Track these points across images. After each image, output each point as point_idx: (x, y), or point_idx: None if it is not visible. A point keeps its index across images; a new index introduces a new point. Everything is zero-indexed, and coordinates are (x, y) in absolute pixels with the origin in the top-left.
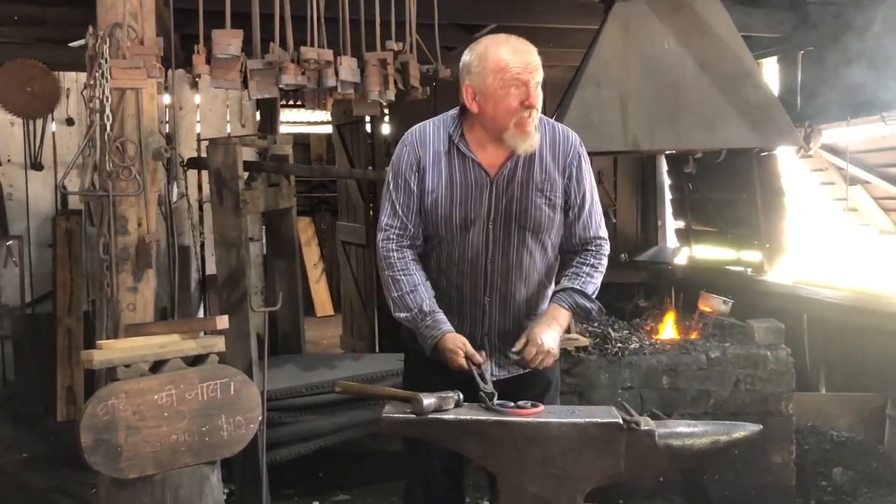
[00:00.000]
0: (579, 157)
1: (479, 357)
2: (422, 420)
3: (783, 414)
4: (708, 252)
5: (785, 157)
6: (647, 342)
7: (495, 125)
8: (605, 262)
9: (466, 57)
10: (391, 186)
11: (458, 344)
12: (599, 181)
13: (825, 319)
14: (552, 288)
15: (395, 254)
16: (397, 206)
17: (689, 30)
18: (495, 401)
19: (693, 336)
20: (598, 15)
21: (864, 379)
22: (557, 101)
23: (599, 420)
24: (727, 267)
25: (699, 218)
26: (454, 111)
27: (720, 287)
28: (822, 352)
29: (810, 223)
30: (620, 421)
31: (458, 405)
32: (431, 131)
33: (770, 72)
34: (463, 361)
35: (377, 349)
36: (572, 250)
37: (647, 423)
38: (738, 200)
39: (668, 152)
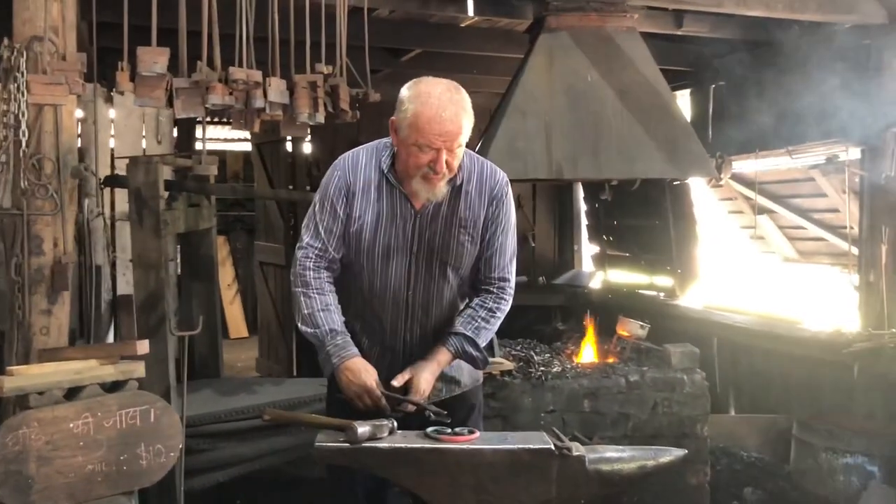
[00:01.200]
0: (504, 195)
1: (378, 394)
2: (356, 448)
3: (699, 436)
4: (622, 276)
5: (696, 186)
6: (568, 366)
7: (405, 169)
8: (505, 306)
9: (403, 93)
10: (317, 208)
11: (363, 371)
12: (519, 205)
13: (734, 343)
14: None
15: (311, 272)
16: (321, 228)
17: (611, 63)
18: (431, 426)
19: (612, 360)
20: (523, 44)
21: (771, 400)
22: (483, 128)
23: (532, 446)
24: (641, 291)
25: (614, 243)
26: (387, 140)
27: (635, 311)
28: (732, 374)
29: (720, 250)
30: (552, 447)
31: (391, 433)
32: (364, 159)
33: (683, 104)
34: (366, 399)
35: (295, 373)
36: (476, 287)
37: (578, 449)
38: (652, 227)
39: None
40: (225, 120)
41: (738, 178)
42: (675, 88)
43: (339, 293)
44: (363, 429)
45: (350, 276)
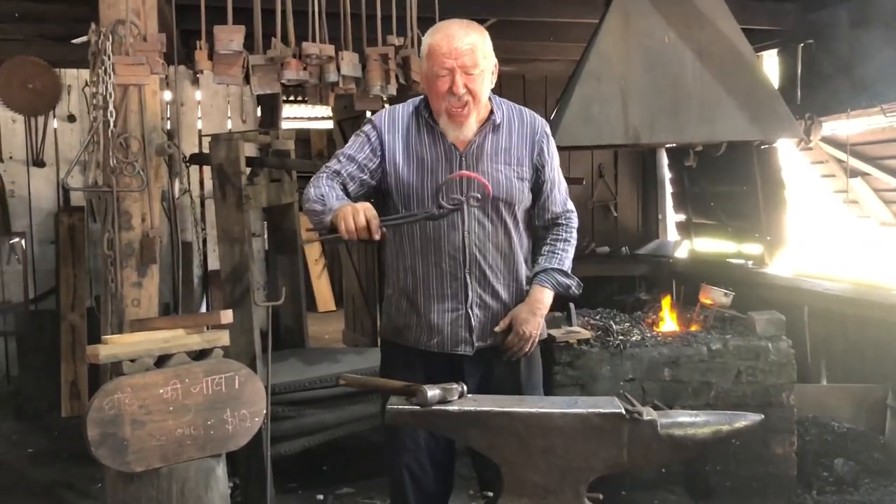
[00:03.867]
0: (546, 136)
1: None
2: (426, 411)
3: (784, 405)
4: (709, 245)
5: (785, 150)
6: (648, 334)
7: (436, 110)
8: (575, 233)
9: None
10: (346, 146)
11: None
12: (600, 174)
13: (826, 311)
14: (524, 261)
15: (325, 178)
16: (342, 155)
17: (689, 23)
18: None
19: (694, 328)
20: (599, 8)
21: (865, 370)
22: (558, 96)
23: (602, 410)
24: (728, 260)
25: (700, 211)
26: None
27: (721, 280)
28: (823, 343)
29: (811, 215)
30: (623, 411)
31: (461, 396)
32: (402, 108)
33: (770, 64)
34: (361, 218)
35: (379, 343)
36: (544, 226)
37: (649, 413)
38: (739, 193)
39: (668, 146)
40: (302, 99)
41: (829, 140)
42: (762, 49)
43: (393, 259)
44: (433, 392)
45: (402, 231)
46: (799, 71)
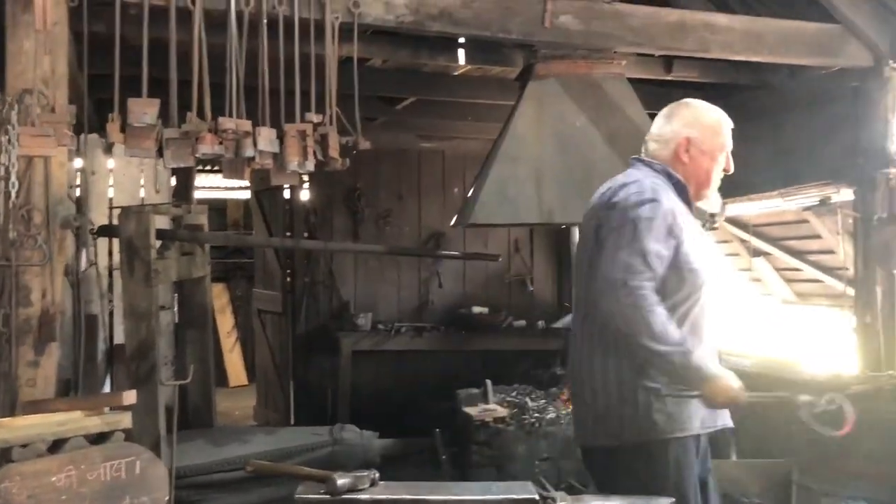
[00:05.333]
0: None
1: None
2: (335, 500)
3: None
4: None
5: None
6: (563, 412)
7: (701, 181)
8: None
9: (684, 112)
10: (640, 233)
11: (734, 378)
12: (516, 249)
13: None
14: None
15: (648, 291)
16: (650, 254)
17: (599, 109)
18: None
19: None
20: (515, 91)
21: (773, 446)
22: (476, 173)
23: (515, 496)
24: None
25: None
26: (648, 170)
27: None
28: (734, 418)
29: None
30: (536, 497)
31: (373, 484)
32: (663, 184)
33: None
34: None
35: (292, 421)
36: None
37: (563, 499)
38: None
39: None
40: (218, 169)
41: (733, 220)
42: None
43: None
44: (343, 480)
45: (685, 309)
46: None
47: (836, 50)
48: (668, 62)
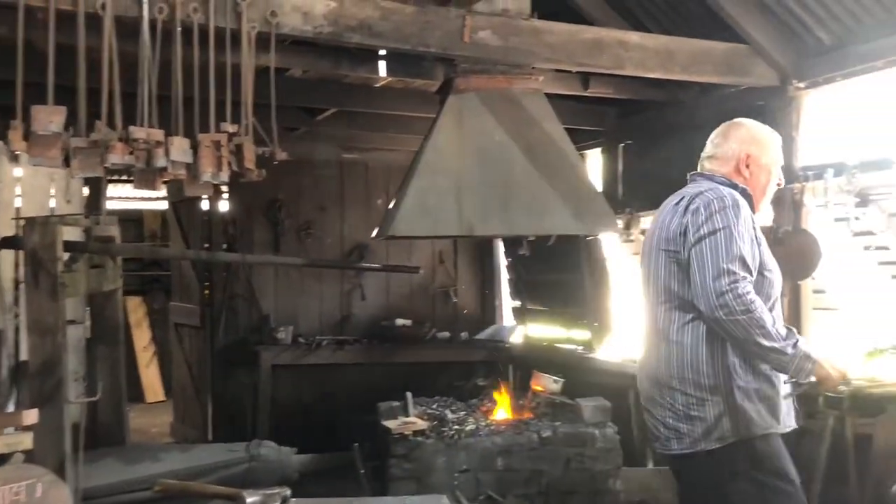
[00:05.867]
0: None
1: None
2: None
3: (612, 490)
4: (542, 330)
5: (609, 242)
6: (482, 423)
7: (759, 193)
8: None
9: (742, 130)
10: (732, 238)
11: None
12: (440, 261)
13: None
14: None
15: (755, 295)
16: (746, 258)
17: (519, 123)
18: None
19: (526, 416)
20: (436, 104)
21: None
22: (399, 185)
23: None
24: (559, 345)
25: (533, 297)
26: (711, 182)
27: (553, 365)
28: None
29: (634, 304)
30: None
31: (285, 501)
32: (737, 195)
33: (595, 162)
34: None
35: (210, 438)
36: None
37: None
38: (568, 281)
39: (505, 236)
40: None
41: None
42: (588, 147)
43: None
44: (253, 498)
45: None
46: (620, 169)
47: (744, 69)
48: (584, 78)
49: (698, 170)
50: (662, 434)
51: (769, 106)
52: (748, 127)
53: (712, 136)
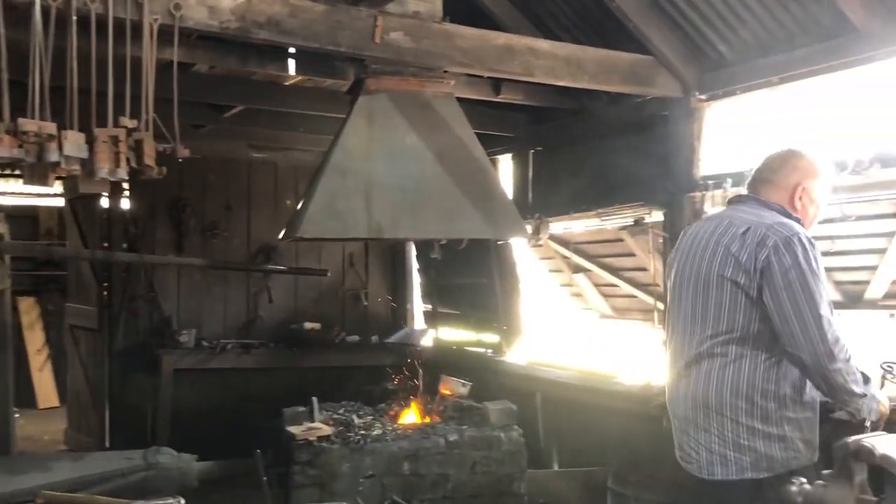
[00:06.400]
0: None
1: None
2: None
3: (516, 493)
4: (453, 334)
5: (519, 246)
6: (390, 428)
7: (807, 225)
8: None
9: (802, 161)
10: (823, 282)
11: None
12: (351, 264)
13: (557, 398)
14: None
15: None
16: (829, 312)
17: (430, 127)
18: None
19: (434, 420)
20: (347, 105)
21: (591, 454)
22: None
23: None
24: (469, 348)
25: (445, 301)
26: (768, 210)
27: (463, 368)
28: (555, 429)
29: (543, 307)
30: None
31: None
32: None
33: (506, 167)
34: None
35: (107, 445)
36: None
37: None
38: (479, 285)
39: (414, 239)
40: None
41: (556, 238)
42: (499, 153)
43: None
44: None
45: None
46: (530, 175)
47: (649, 80)
48: (496, 84)
49: (748, 191)
50: (704, 458)
51: (672, 116)
52: (808, 157)
53: (769, 159)
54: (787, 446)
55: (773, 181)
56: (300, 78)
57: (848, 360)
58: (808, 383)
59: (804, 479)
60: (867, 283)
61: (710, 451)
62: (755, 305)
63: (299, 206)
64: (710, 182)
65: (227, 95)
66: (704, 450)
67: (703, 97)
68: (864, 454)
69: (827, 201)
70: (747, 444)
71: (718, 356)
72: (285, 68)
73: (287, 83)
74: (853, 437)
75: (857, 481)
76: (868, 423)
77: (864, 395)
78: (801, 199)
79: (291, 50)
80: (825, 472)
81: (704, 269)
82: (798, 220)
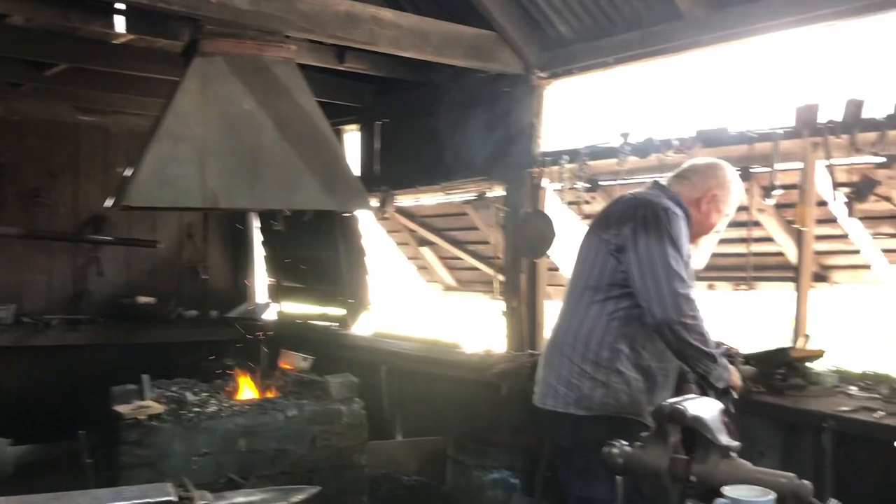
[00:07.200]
0: None
1: None
2: None
3: (357, 466)
4: (297, 308)
5: (366, 219)
6: (226, 404)
7: (703, 229)
8: None
9: (721, 173)
10: (678, 249)
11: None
12: (189, 235)
13: (402, 370)
14: None
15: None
16: (685, 271)
17: (269, 93)
18: None
19: (274, 395)
20: (181, 67)
21: (432, 423)
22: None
23: (149, 500)
24: (314, 322)
25: (289, 274)
26: (667, 197)
27: (308, 342)
28: (399, 400)
29: (389, 280)
30: (174, 498)
31: None
32: (681, 213)
33: (354, 139)
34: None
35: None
36: None
37: (203, 498)
38: (324, 258)
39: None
40: None
41: (402, 211)
42: (346, 123)
43: (647, 339)
44: None
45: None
46: (377, 146)
47: (491, 56)
48: (340, 52)
49: (665, 182)
50: (541, 389)
51: (515, 93)
52: (728, 173)
53: (694, 161)
54: (608, 393)
55: (690, 180)
56: (131, 37)
57: (697, 318)
58: (648, 353)
59: (625, 442)
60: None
61: (548, 384)
62: (615, 261)
63: (128, 172)
64: (547, 159)
65: (47, 52)
66: (544, 381)
67: (543, 75)
68: (677, 416)
69: (728, 218)
70: (577, 383)
71: (579, 304)
72: (111, 25)
73: (117, 42)
74: (668, 401)
75: (671, 442)
76: (718, 390)
77: (714, 358)
78: (708, 203)
79: (120, 6)
80: (643, 433)
81: (591, 229)
82: (686, 213)
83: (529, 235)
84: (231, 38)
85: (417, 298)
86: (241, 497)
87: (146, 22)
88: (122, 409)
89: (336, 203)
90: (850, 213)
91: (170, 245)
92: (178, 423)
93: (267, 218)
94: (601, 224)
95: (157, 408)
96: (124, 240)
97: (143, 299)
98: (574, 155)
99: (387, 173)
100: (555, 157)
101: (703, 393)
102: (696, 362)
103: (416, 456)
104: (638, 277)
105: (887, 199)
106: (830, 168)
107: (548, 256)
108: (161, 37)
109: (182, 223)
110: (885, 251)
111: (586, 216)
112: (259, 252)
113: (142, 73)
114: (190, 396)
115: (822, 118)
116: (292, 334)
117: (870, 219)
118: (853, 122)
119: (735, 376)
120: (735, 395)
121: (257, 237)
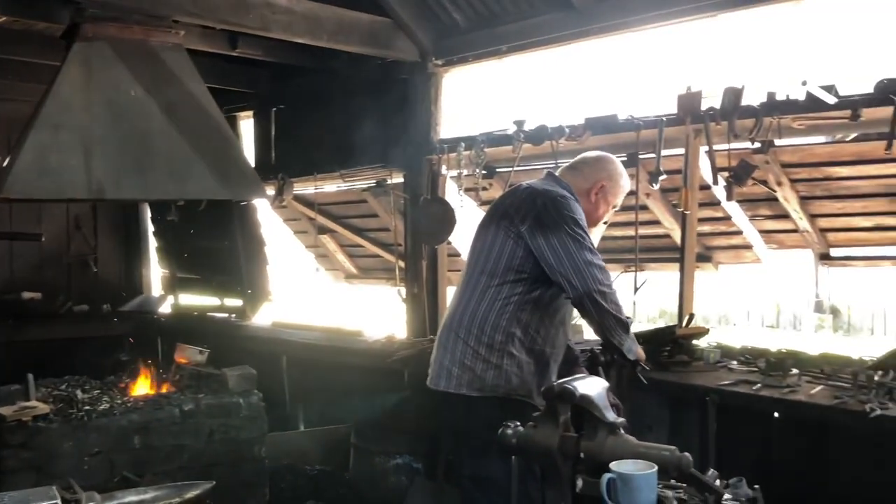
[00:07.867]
0: None
1: None
2: None
3: (257, 458)
4: (193, 300)
5: (263, 208)
6: (119, 401)
7: (595, 219)
8: None
9: (611, 166)
10: (586, 233)
11: None
12: (77, 227)
13: (303, 359)
14: None
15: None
16: (593, 248)
17: (157, 79)
18: None
19: (169, 390)
20: (62, 51)
21: (336, 412)
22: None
23: None
24: (211, 314)
25: (184, 266)
26: (559, 186)
27: (205, 334)
28: (301, 390)
29: (289, 269)
30: (58, 501)
31: None
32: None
33: (248, 126)
34: None
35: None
36: None
37: (90, 499)
38: (221, 249)
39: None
40: None
41: (301, 199)
42: (240, 110)
43: (539, 324)
44: None
45: (554, 305)
46: (273, 133)
47: (387, 42)
48: (232, 38)
49: (558, 173)
50: (435, 371)
51: (412, 81)
52: (617, 167)
53: (587, 154)
54: (499, 375)
55: (581, 171)
56: (6, 18)
57: (612, 288)
58: (540, 337)
59: (518, 423)
60: None
61: (441, 366)
62: (514, 248)
63: (6, 162)
64: (445, 146)
65: None
66: (437, 363)
67: (439, 62)
68: (567, 395)
69: (615, 209)
70: (470, 365)
71: (475, 289)
72: None
73: None
74: (558, 381)
75: (561, 420)
76: (631, 363)
77: (627, 328)
78: (597, 194)
79: None
80: (535, 413)
81: (488, 218)
82: (575, 198)
83: (429, 222)
84: (115, 23)
85: (318, 287)
86: (132, 496)
87: (21, 3)
88: (3, 410)
89: (230, 192)
90: (730, 197)
91: (57, 237)
92: (67, 422)
93: (159, 208)
94: (499, 212)
95: (43, 408)
96: (5, 233)
97: (28, 294)
98: (471, 142)
99: (284, 161)
100: (452, 144)
101: (593, 372)
102: (612, 333)
103: (318, 446)
104: (552, 258)
105: (764, 182)
106: (711, 153)
107: (448, 243)
108: (38, 19)
109: (69, 215)
110: (763, 232)
111: (484, 202)
112: (153, 243)
113: (18, 58)
114: (80, 394)
115: (703, 106)
116: (188, 327)
117: (748, 201)
118: (732, 110)
119: (640, 349)
120: (645, 367)
121: (150, 227)
